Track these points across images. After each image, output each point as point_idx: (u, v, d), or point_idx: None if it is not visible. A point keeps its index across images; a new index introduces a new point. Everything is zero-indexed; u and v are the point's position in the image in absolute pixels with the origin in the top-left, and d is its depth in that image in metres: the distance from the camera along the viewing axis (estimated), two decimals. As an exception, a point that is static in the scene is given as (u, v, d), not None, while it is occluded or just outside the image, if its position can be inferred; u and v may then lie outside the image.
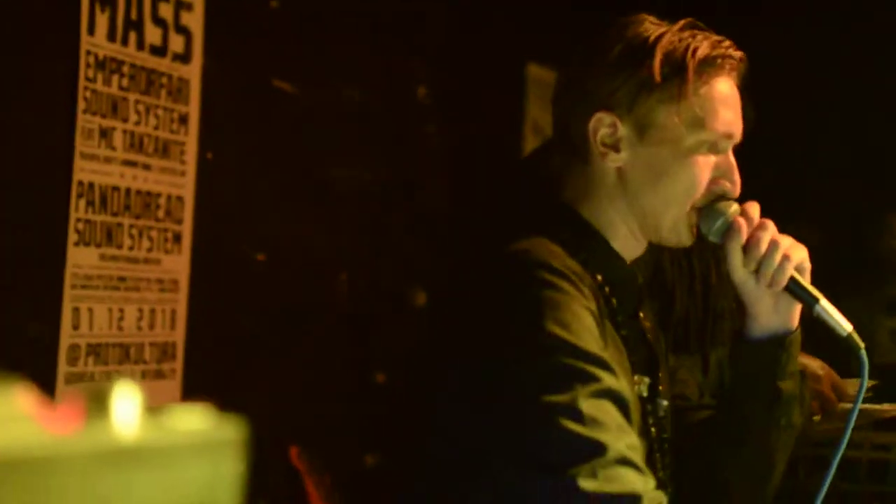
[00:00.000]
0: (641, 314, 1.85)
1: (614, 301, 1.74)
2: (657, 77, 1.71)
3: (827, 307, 1.74)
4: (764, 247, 1.73)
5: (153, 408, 0.79)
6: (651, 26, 1.78)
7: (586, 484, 1.49)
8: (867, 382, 1.75)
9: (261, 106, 3.35)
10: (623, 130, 1.73)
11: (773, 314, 1.79)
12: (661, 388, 1.82)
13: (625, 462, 1.52)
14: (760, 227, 1.74)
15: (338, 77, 3.65)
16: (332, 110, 3.63)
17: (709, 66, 1.74)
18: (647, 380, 1.79)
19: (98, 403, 0.77)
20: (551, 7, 4.68)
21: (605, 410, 1.55)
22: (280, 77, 3.40)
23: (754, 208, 1.77)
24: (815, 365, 2.11)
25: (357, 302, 3.79)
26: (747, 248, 1.73)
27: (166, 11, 3.00)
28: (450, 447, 1.67)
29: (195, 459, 0.80)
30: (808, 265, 1.76)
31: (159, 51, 2.99)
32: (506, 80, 4.59)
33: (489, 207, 2.50)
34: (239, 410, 1.08)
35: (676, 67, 1.73)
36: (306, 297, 3.58)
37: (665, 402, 1.82)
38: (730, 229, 1.74)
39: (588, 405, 1.53)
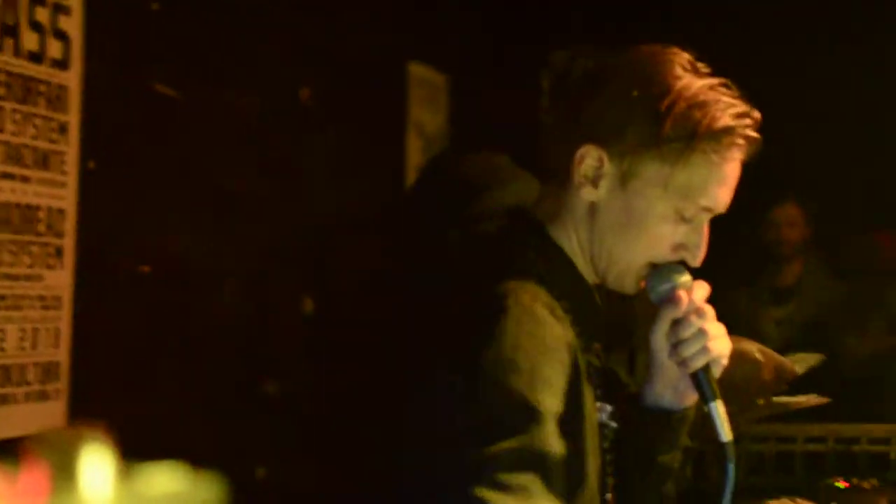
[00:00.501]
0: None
1: (577, 329, 1.69)
2: (662, 133, 1.64)
3: (719, 409, 1.69)
4: (690, 332, 1.69)
5: (37, 431, 0.71)
6: (679, 71, 1.69)
7: None
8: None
9: (144, 112, 3.23)
10: (608, 168, 1.67)
11: (670, 389, 1.76)
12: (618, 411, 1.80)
13: None
14: (697, 311, 1.69)
15: (221, 81, 3.55)
16: (216, 115, 3.52)
17: (721, 141, 1.65)
18: (609, 407, 1.76)
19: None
20: (433, 6, 4.65)
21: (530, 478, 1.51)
22: (163, 82, 3.28)
23: (702, 289, 1.72)
24: (752, 348, 2.10)
25: (245, 311, 3.69)
26: (676, 325, 1.70)
27: (43, 16, 2.86)
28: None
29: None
30: (725, 362, 1.72)
31: (36, 57, 2.85)
32: (388, 80, 4.54)
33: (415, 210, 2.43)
34: (127, 429, 1.00)
35: (688, 133, 1.65)
36: (194, 309, 3.47)
37: (615, 425, 1.79)
38: (670, 299, 1.70)
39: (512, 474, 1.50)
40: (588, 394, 1.68)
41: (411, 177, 4.55)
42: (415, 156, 4.70)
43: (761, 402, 2.36)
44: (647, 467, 1.80)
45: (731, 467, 1.68)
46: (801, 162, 4.58)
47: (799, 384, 2.52)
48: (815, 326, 4.63)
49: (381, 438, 1.91)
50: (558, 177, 1.73)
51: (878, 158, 5.02)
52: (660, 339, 1.73)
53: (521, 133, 2.34)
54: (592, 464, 1.68)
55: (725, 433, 1.68)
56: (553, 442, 1.54)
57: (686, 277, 1.72)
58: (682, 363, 1.70)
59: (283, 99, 3.89)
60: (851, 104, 5.10)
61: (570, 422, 1.60)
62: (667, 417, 1.78)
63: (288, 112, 3.91)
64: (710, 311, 1.71)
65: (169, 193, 3.33)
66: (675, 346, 1.70)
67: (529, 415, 1.53)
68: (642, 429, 1.79)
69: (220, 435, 3.44)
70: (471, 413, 1.54)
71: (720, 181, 1.66)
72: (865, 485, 2.71)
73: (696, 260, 1.72)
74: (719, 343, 1.71)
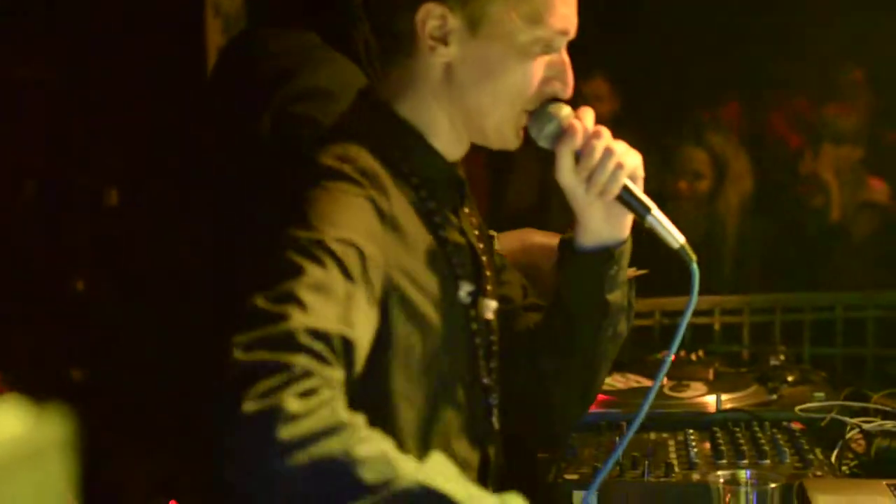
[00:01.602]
0: (467, 210, 1.76)
1: (433, 204, 1.62)
2: None
3: (659, 217, 1.65)
4: (598, 155, 1.63)
5: None
6: None
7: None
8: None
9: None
10: (454, 23, 1.60)
11: (603, 223, 1.72)
12: (488, 288, 1.75)
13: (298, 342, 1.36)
14: (595, 134, 1.65)
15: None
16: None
17: None
18: (468, 286, 1.70)
19: None
20: None
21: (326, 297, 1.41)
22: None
23: (589, 114, 1.68)
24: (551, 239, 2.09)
25: (48, 208, 3.53)
26: (581, 156, 1.64)
27: None
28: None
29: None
30: (641, 173, 1.68)
31: None
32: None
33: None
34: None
35: None
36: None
37: (493, 304, 1.74)
38: (563, 134, 1.64)
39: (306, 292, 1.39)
40: (432, 267, 1.61)
41: (212, 58, 4.38)
42: (214, 36, 4.52)
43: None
44: (601, 310, 1.76)
45: (694, 266, 1.64)
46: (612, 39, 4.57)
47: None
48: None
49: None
50: (401, 50, 1.65)
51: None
52: (568, 178, 1.67)
53: (332, 4, 2.26)
54: (443, 339, 1.63)
55: (675, 238, 1.65)
56: (336, 287, 1.45)
57: (567, 110, 1.67)
58: (603, 192, 1.66)
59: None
60: None
61: (389, 284, 1.54)
62: (609, 253, 1.73)
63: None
64: (606, 131, 1.67)
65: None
66: (589, 179, 1.65)
67: (307, 253, 1.45)
68: (587, 273, 1.74)
69: (31, 339, 3.31)
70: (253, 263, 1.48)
71: None
72: (693, 357, 2.78)
73: (568, 89, 1.66)
74: (630, 157, 1.67)
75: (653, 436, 2.15)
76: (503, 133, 1.66)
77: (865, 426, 2.11)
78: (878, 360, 3.26)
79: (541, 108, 1.66)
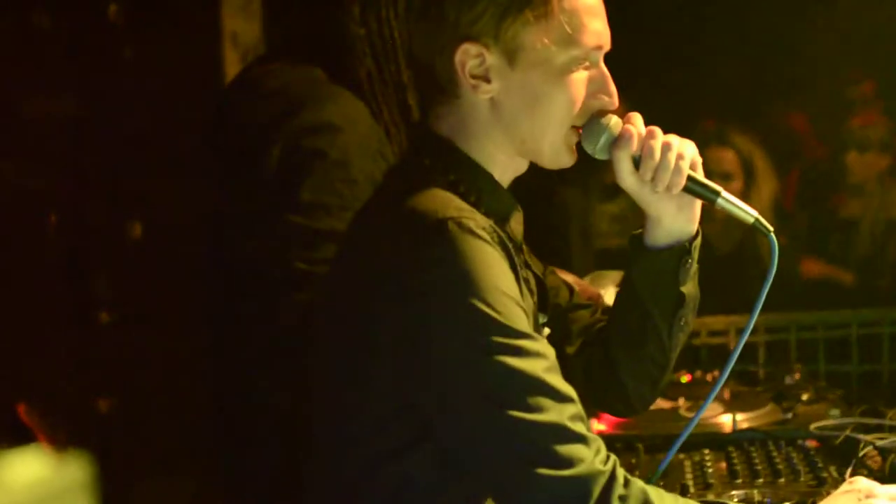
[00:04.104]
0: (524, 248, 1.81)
1: (510, 246, 1.64)
2: (524, 0, 1.61)
3: (729, 197, 1.72)
4: (658, 153, 1.69)
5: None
6: None
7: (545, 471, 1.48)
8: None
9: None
10: (491, 59, 1.64)
11: (676, 216, 1.78)
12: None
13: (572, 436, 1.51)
14: (649, 134, 1.71)
15: (25, 1, 3.38)
16: (21, 37, 3.36)
17: None
18: (543, 318, 1.74)
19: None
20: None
21: (544, 391, 1.51)
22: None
23: (638, 118, 1.73)
24: (568, 279, 2.12)
25: (71, 241, 3.58)
26: (641, 159, 1.70)
27: None
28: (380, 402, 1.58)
29: None
30: (699, 159, 1.74)
31: None
32: (198, -9, 4.39)
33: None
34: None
35: None
36: (16, 243, 3.34)
37: (547, 331, 1.80)
38: (618, 141, 1.70)
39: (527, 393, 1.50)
40: (525, 305, 1.63)
41: (230, 90, 4.43)
42: (232, 68, 4.57)
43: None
44: (677, 303, 1.81)
45: (773, 237, 1.70)
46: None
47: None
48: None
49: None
50: (445, 92, 1.69)
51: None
52: (631, 181, 1.73)
53: (336, 38, 2.29)
54: None
55: (749, 213, 1.71)
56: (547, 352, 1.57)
57: (615, 119, 1.72)
58: (670, 187, 1.71)
59: (91, 17, 3.73)
60: None
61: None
62: (685, 247, 1.79)
63: (97, 31, 3.75)
64: (658, 130, 1.72)
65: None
66: (654, 178, 1.71)
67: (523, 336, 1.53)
68: (663, 268, 1.80)
69: (56, 371, 3.35)
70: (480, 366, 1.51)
71: (591, 13, 1.67)
72: (708, 377, 2.80)
73: (614, 98, 1.71)
74: (686, 146, 1.72)
75: (669, 457, 2.17)
76: (559, 153, 1.71)
77: (879, 443, 2.13)
78: (893, 377, 3.27)
79: (590, 123, 1.71)
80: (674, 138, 1.72)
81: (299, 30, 2.44)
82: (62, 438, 3.08)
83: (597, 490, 1.51)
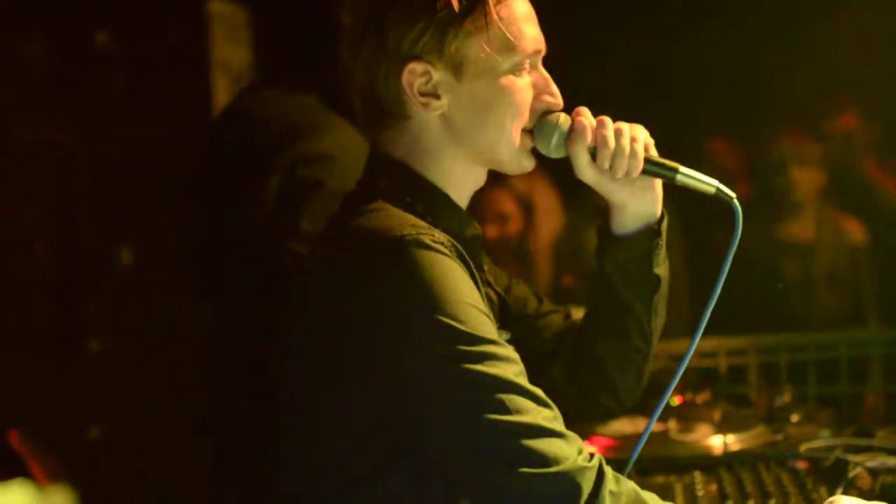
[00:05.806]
0: (486, 267, 1.83)
1: (470, 261, 1.65)
2: (457, 11, 1.64)
3: (688, 172, 1.74)
4: (612, 142, 1.72)
5: None
6: None
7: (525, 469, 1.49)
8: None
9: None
10: (438, 75, 1.67)
11: (640, 200, 1.80)
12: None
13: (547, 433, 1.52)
14: (600, 125, 1.73)
15: (14, 29, 3.38)
16: (12, 66, 3.37)
17: None
18: (506, 334, 1.75)
19: None
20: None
21: (518, 393, 1.53)
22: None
23: (586, 111, 1.76)
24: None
25: (61, 270, 3.58)
26: (597, 149, 1.73)
27: None
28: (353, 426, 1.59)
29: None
30: (651, 140, 1.76)
31: None
32: (188, 18, 4.40)
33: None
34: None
35: None
36: (6, 271, 3.34)
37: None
38: (571, 136, 1.72)
39: (504, 396, 1.51)
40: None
41: (220, 116, 4.44)
42: (222, 96, 4.58)
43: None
44: (652, 286, 1.84)
45: (736, 203, 1.71)
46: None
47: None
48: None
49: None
50: (392, 113, 1.71)
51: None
52: (590, 173, 1.75)
53: (326, 63, 2.31)
54: None
55: (708, 183, 1.73)
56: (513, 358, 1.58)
57: (563, 116, 1.74)
58: (629, 171, 1.73)
59: (81, 46, 3.74)
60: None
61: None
62: (654, 229, 1.81)
63: (87, 59, 3.76)
64: (607, 118, 1.74)
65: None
66: (611, 166, 1.73)
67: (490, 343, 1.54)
68: (635, 254, 1.82)
69: (47, 398, 3.34)
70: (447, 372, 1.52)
71: (527, 20, 1.70)
72: (698, 399, 2.80)
73: (558, 98, 1.74)
74: (637, 130, 1.74)
75: (660, 479, 2.17)
76: (518, 159, 1.73)
77: (869, 463, 2.13)
78: (883, 398, 3.28)
79: (540, 124, 1.74)
80: (624, 124, 1.75)
81: (292, 57, 2.46)
82: (53, 467, 3.07)
83: (586, 486, 1.51)
